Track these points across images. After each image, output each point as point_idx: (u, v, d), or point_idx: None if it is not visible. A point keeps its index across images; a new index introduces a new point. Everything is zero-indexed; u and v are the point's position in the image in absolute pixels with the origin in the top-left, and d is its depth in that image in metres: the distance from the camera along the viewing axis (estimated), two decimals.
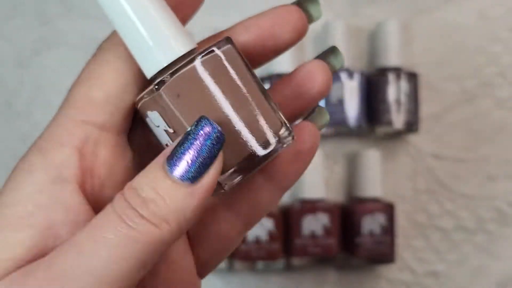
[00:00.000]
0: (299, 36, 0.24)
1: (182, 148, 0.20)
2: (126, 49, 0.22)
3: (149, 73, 0.22)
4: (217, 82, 0.22)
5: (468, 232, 0.62)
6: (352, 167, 0.60)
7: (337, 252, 0.58)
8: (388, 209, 0.58)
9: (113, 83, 0.22)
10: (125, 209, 0.20)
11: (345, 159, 0.61)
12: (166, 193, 0.20)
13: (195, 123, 0.21)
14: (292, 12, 0.24)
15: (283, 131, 0.23)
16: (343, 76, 0.58)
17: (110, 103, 0.22)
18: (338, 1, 0.61)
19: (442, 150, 0.62)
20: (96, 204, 0.22)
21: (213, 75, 0.22)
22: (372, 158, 0.59)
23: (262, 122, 0.22)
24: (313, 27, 0.61)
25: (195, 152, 0.20)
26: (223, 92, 0.22)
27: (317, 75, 0.25)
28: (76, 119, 0.22)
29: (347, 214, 0.58)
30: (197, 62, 0.22)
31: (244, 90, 0.22)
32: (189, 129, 0.21)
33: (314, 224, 0.57)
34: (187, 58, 0.22)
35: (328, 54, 0.26)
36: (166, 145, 0.22)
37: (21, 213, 0.21)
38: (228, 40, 0.22)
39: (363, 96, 0.58)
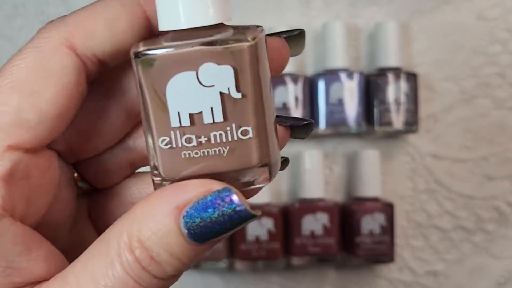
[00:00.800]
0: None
1: (204, 212, 0.19)
2: (76, 54, 0.19)
3: (165, 26, 0.19)
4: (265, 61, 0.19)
5: (467, 232, 0.62)
6: (352, 167, 0.60)
7: (337, 252, 0.58)
8: (388, 209, 0.58)
9: (53, 103, 0.19)
10: (139, 272, 0.19)
11: (345, 159, 0.61)
12: (184, 256, 0.19)
13: (221, 190, 0.19)
14: (281, 49, 0.22)
15: None
16: (343, 76, 0.58)
17: (46, 124, 0.19)
18: (337, 2, 0.62)
19: (441, 150, 0.62)
20: (23, 220, 0.21)
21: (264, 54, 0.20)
22: (371, 158, 0.59)
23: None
24: (313, 28, 0.61)
25: (218, 223, 0.19)
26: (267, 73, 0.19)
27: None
28: (3, 145, 0.19)
29: (346, 214, 0.59)
30: (263, 34, 0.19)
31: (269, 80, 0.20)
32: (214, 193, 0.19)
33: (314, 224, 0.57)
34: (218, 28, 0.19)
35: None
36: (198, 114, 0.18)
37: None
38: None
39: (362, 96, 0.59)
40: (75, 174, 0.24)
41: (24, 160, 0.20)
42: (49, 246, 0.21)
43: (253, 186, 0.20)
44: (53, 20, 0.21)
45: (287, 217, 0.58)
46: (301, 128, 0.23)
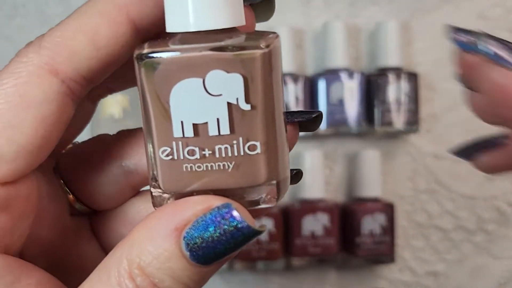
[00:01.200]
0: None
1: (205, 231, 0.18)
2: (59, 78, 0.18)
3: (173, 28, 0.17)
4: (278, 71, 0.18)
5: (468, 232, 0.62)
6: (352, 167, 0.60)
7: (337, 252, 0.58)
8: (388, 209, 0.58)
9: (32, 136, 0.18)
10: None
11: (345, 159, 0.61)
12: (189, 280, 0.18)
13: (221, 207, 0.18)
14: (248, 17, 0.20)
15: None
16: (343, 76, 0.58)
17: (24, 158, 0.18)
18: (338, 2, 0.62)
19: (442, 150, 0.62)
20: (7, 250, 0.20)
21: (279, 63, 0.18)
22: (372, 158, 0.59)
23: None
24: (313, 27, 0.61)
25: (221, 242, 0.18)
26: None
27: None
28: None
29: (347, 214, 0.58)
30: (278, 41, 0.18)
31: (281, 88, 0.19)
32: (214, 210, 0.18)
33: (314, 224, 0.57)
34: (230, 33, 0.17)
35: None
36: (202, 124, 0.17)
37: None
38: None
39: (363, 96, 0.58)
40: (70, 196, 0.23)
41: (2, 193, 0.18)
42: (41, 273, 0.20)
43: (259, 206, 0.19)
44: (31, 42, 0.19)
45: (287, 217, 0.58)
46: (311, 122, 0.21)
